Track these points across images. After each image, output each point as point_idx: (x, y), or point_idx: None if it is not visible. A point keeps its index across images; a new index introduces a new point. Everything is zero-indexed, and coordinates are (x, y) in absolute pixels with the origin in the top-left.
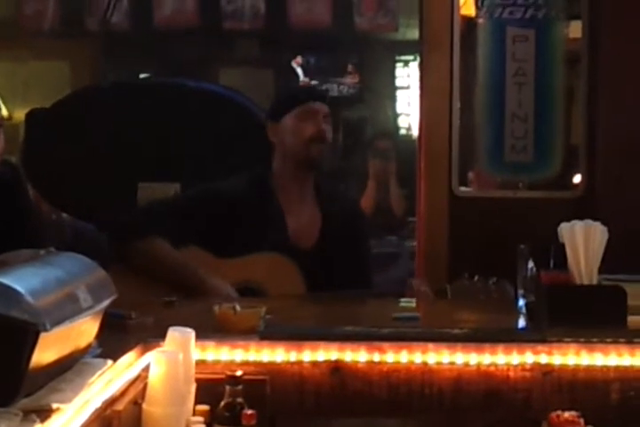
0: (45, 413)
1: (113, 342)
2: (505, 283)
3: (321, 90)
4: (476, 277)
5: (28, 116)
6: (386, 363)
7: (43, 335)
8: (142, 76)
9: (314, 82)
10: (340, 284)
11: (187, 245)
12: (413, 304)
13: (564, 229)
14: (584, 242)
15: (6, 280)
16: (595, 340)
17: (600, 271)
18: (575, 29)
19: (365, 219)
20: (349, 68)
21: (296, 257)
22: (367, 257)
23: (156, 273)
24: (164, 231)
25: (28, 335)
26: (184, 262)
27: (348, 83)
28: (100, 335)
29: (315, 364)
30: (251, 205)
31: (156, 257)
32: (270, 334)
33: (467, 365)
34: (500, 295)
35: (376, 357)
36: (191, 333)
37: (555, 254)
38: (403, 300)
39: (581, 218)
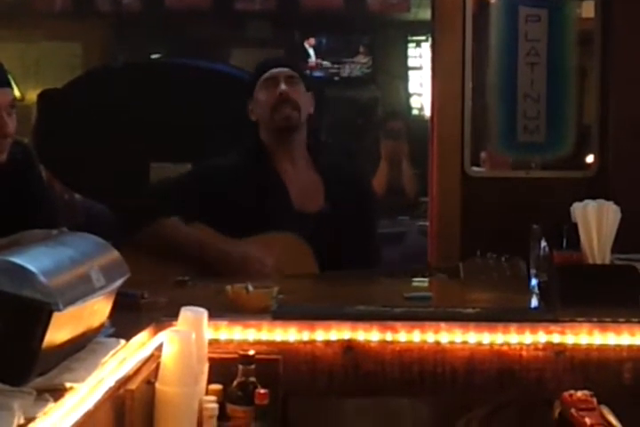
0: (59, 392)
1: (126, 321)
2: (518, 260)
3: (282, 57)
4: (489, 255)
5: (40, 96)
6: (398, 342)
7: (56, 315)
8: (154, 56)
9: (325, 62)
10: (348, 250)
11: (194, 226)
12: (426, 284)
13: (577, 208)
14: (597, 222)
15: (19, 260)
16: (607, 319)
17: (613, 251)
18: (588, 9)
19: (366, 179)
20: (361, 48)
21: (302, 223)
22: (373, 219)
23: (174, 253)
24: (170, 211)
25: (41, 315)
26: (202, 239)
27: (359, 63)
28: (112, 315)
29: (327, 343)
30: (247, 177)
31: (172, 237)
32: (283, 313)
33: (479, 344)
34: (513, 273)
35: (388, 336)
36: (204, 312)
37: (567, 234)
38: (415, 279)
39: (594, 198)
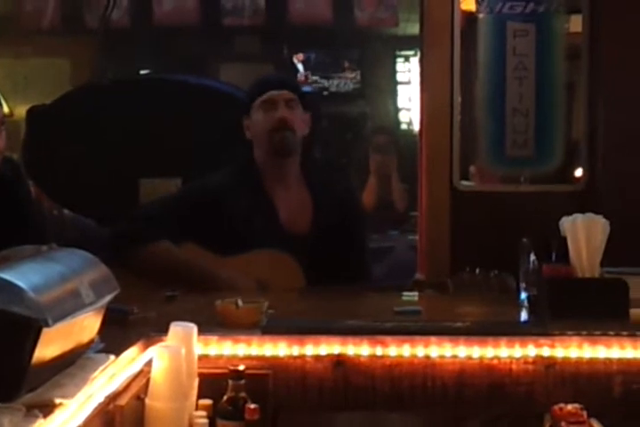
0: (48, 408)
1: (115, 337)
2: (506, 276)
3: (281, 76)
4: (478, 271)
5: (29, 112)
6: (388, 357)
7: (45, 331)
8: (143, 72)
9: (314, 77)
10: (338, 269)
11: (184, 246)
12: (415, 298)
13: (566, 222)
14: (586, 235)
15: (8, 276)
16: (597, 333)
17: (602, 264)
18: (576, 23)
19: (358, 199)
20: (346, 63)
21: (291, 243)
22: (363, 238)
23: (164, 275)
24: (161, 234)
25: (30, 331)
26: (191, 261)
27: (348, 78)
28: (102, 330)
29: (317, 358)
30: (238, 196)
31: (163, 260)
32: (273, 328)
33: (469, 358)
34: (502, 288)
35: (378, 351)
36: (193, 327)
37: (556, 248)
38: (405, 293)
39: (583, 211)
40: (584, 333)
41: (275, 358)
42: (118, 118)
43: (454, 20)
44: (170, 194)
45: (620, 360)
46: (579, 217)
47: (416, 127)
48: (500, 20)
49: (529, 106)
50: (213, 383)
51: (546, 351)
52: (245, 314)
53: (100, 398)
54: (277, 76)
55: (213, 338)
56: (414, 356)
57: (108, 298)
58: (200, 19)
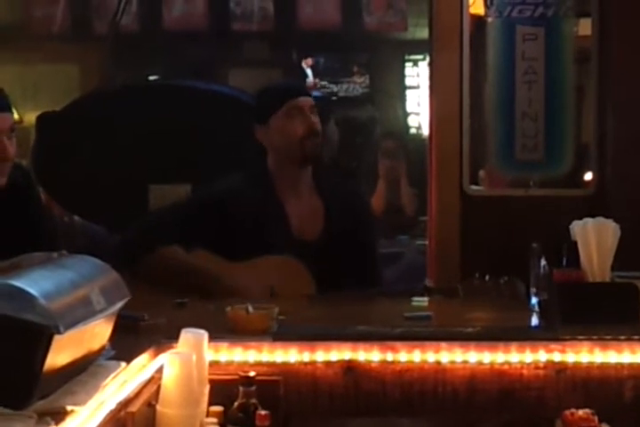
0: (60, 415)
1: (126, 344)
2: (516, 282)
3: (297, 82)
4: (487, 277)
5: (39, 119)
6: (399, 362)
7: (56, 338)
8: (151, 78)
9: (323, 82)
10: (348, 275)
11: (195, 251)
12: (425, 303)
13: (577, 226)
14: (596, 240)
15: (20, 283)
16: (608, 337)
17: (613, 269)
18: (585, 27)
19: (369, 207)
20: (355, 68)
21: (302, 249)
22: (373, 246)
23: (174, 281)
24: (171, 240)
25: (41, 338)
26: (200, 266)
27: (357, 83)
28: (113, 337)
29: (328, 364)
30: (248, 203)
31: (170, 265)
32: (283, 334)
33: (480, 363)
34: (512, 294)
35: (389, 356)
36: (204, 334)
37: (567, 252)
38: (414, 299)
39: (593, 216)
40: (595, 337)
41: (285, 364)
42: (128, 124)
43: (463, 24)
44: (179, 200)
45: (631, 365)
46: (589, 221)
47: (425, 132)
48: (510, 23)
49: (538, 110)
50: (224, 390)
51: (557, 356)
52: (256, 320)
53: (111, 404)
54: (293, 82)
55: (224, 344)
56: (425, 361)
57: (119, 305)
58: (209, 24)
